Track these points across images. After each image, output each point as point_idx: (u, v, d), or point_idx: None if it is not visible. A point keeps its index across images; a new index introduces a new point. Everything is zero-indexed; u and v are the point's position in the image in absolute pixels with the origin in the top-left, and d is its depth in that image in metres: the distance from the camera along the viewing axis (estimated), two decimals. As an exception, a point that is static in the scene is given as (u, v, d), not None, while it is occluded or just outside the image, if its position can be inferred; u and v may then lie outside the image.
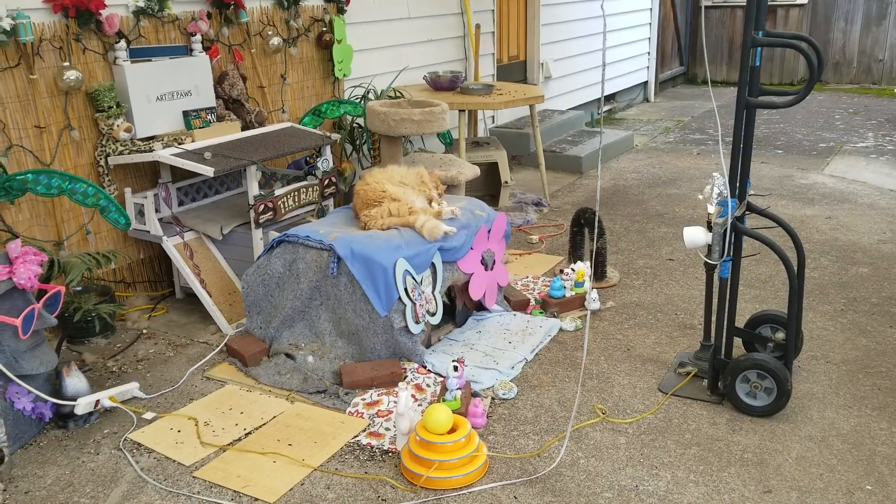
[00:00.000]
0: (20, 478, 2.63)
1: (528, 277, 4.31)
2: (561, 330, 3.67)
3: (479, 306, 3.77)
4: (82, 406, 2.86)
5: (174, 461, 2.70)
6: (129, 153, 3.70)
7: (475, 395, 3.07)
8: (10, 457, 2.67)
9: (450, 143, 5.74)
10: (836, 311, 3.84)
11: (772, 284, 4.17)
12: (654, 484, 2.56)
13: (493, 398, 3.08)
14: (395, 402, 2.96)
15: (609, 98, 9.48)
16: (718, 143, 3.17)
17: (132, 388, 3.08)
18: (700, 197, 3.04)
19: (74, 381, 2.92)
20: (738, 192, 2.88)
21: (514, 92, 5.51)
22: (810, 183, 6.19)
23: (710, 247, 2.93)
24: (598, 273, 4.18)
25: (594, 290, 3.93)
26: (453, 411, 2.73)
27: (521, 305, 3.88)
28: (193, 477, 2.62)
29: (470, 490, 2.53)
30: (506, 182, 5.53)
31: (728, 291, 2.96)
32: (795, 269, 2.91)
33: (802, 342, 3.31)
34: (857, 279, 4.23)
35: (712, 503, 2.46)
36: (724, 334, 3.00)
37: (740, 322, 3.20)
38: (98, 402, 2.92)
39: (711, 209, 2.93)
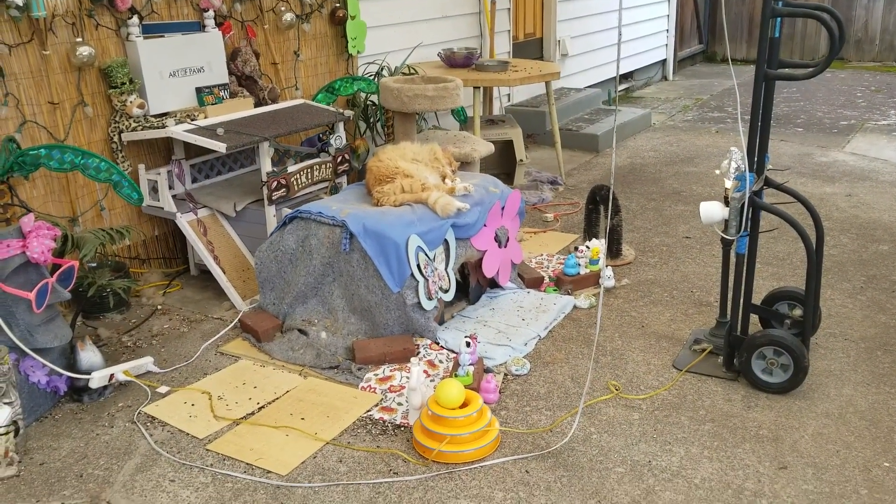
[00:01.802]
0: (35, 450, 2.65)
1: (542, 255, 4.28)
2: (575, 307, 3.64)
3: (493, 283, 3.75)
4: (97, 380, 2.87)
5: (188, 434, 2.72)
6: (142, 129, 3.70)
7: (488, 370, 3.05)
8: (26, 429, 2.69)
9: (464, 121, 5.70)
10: (855, 288, 3.79)
11: (790, 261, 4.12)
12: (667, 459, 2.54)
13: (505, 374, 3.07)
14: (408, 378, 2.96)
15: (627, 76, 9.37)
16: (738, 120, 3.12)
17: (146, 362, 3.09)
18: (717, 172, 2.99)
19: (89, 355, 2.93)
20: (756, 167, 2.83)
21: (530, 69, 5.45)
22: (830, 161, 6.09)
23: (726, 222, 2.89)
24: (614, 250, 4.14)
25: (609, 267, 3.90)
26: (465, 387, 2.71)
27: (534, 283, 3.86)
28: (206, 450, 2.63)
29: (482, 464, 2.53)
30: (521, 160, 5.48)
31: (745, 267, 2.92)
32: (814, 245, 2.86)
33: (820, 319, 3.27)
34: (876, 257, 4.17)
35: (726, 479, 2.44)
36: (741, 311, 2.96)
37: (757, 299, 3.15)
38: (112, 376, 2.93)
39: (729, 184, 2.89)
